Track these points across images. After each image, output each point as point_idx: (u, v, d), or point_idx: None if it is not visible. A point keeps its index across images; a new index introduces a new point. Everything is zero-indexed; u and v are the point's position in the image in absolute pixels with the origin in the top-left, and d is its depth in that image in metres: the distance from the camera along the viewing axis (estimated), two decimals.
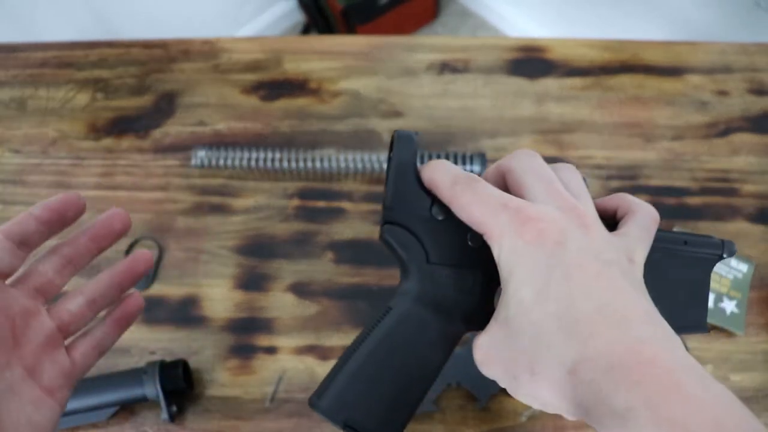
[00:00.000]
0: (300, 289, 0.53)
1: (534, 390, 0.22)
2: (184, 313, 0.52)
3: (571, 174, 0.26)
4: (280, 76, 0.64)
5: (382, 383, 0.25)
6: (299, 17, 1.79)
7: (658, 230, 0.27)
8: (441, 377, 0.47)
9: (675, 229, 0.54)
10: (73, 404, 0.45)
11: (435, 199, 0.27)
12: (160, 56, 0.66)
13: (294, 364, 0.50)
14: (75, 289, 0.29)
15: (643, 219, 0.26)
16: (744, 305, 0.51)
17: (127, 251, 0.55)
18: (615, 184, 0.57)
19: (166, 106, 0.63)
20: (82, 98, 0.64)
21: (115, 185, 0.58)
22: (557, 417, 0.46)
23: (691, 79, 0.63)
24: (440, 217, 0.27)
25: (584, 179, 0.27)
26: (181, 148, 0.60)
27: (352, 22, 1.58)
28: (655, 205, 0.56)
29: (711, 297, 0.51)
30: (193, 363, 0.50)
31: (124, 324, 0.30)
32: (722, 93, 0.62)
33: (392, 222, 0.27)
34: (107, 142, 0.61)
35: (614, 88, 0.63)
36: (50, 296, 0.28)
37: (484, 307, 0.27)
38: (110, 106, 0.63)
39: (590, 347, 0.20)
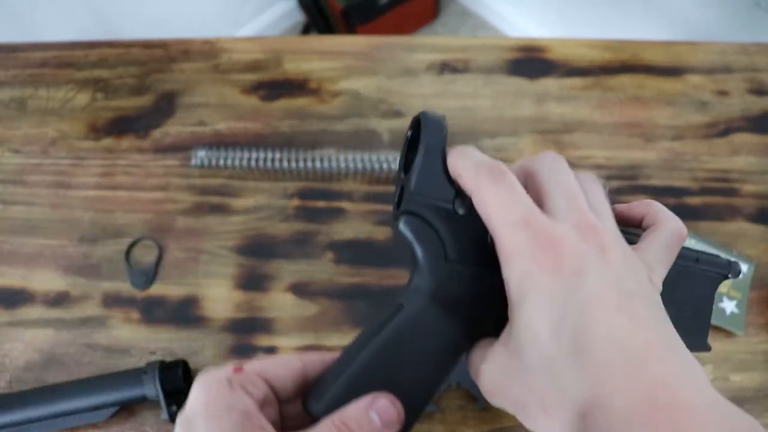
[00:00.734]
0: (300, 289, 0.53)
1: (545, 428, 0.20)
2: (184, 313, 0.52)
3: (594, 186, 0.25)
4: (280, 76, 0.64)
5: (388, 389, 0.24)
6: (299, 17, 1.79)
7: None
8: None
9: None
10: (73, 404, 0.45)
11: (459, 191, 0.24)
12: (160, 56, 0.66)
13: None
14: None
15: (668, 236, 0.25)
16: (744, 305, 0.51)
17: (128, 251, 0.55)
18: (615, 184, 0.57)
19: (166, 106, 0.63)
20: (82, 98, 0.64)
21: (115, 185, 0.58)
22: None
23: (691, 79, 0.63)
24: (461, 212, 0.24)
25: (605, 188, 0.26)
26: (181, 148, 0.60)
27: (352, 22, 1.58)
28: None
29: None
30: (193, 363, 0.50)
31: None
32: (722, 93, 0.62)
33: (411, 212, 0.24)
34: (107, 142, 0.61)
35: (614, 88, 0.63)
36: None
37: (500, 312, 0.25)
38: (110, 106, 0.63)
39: (605, 391, 0.19)
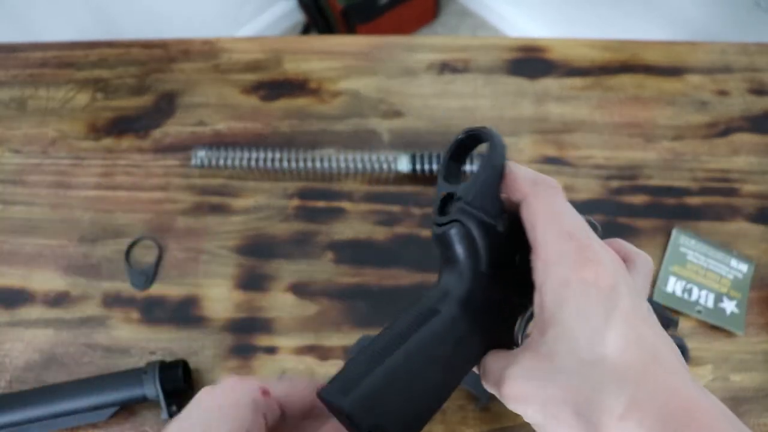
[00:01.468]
0: (300, 289, 0.53)
1: None
2: (184, 313, 0.52)
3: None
4: (280, 76, 0.64)
5: (416, 393, 0.24)
6: (299, 17, 1.79)
7: None
8: None
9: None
10: (73, 404, 0.45)
11: (503, 209, 0.26)
12: (160, 56, 0.66)
13: (294, 364, 0.50)
14: None
15: (643, 268, 0.26)
16: (744, 305, 0.51)
17: (128, 251, 0.55)
18: (615, 184, 0.57)
19: (166, 106, 0.63)
20: (82, 98, 0.64)
21: (115, 185, 0.58)
22: None
23: (691, 79, 0.63)
24: (500, 229, 0.25)
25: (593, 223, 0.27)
26: (181, 148, 0.60)
27: (352, 22, 1.58)
28: (655, 205, 0.56)
29: (711, 297, 0.51)
30: (193, 363, 0.50)
31: None
32: (722, 93, 0.62)
33: (461, 222, 0.25)
34: (107, 142, 0.61)
35: (614, 88, 0.63)
36: None
37: (509, 333, 0.27)
38: (110, 106, 0.63)
39: (643, 395, 0.20)
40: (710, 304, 0.51)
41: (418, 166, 0.56)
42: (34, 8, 1.21)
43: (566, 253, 0.22)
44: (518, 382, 0.22)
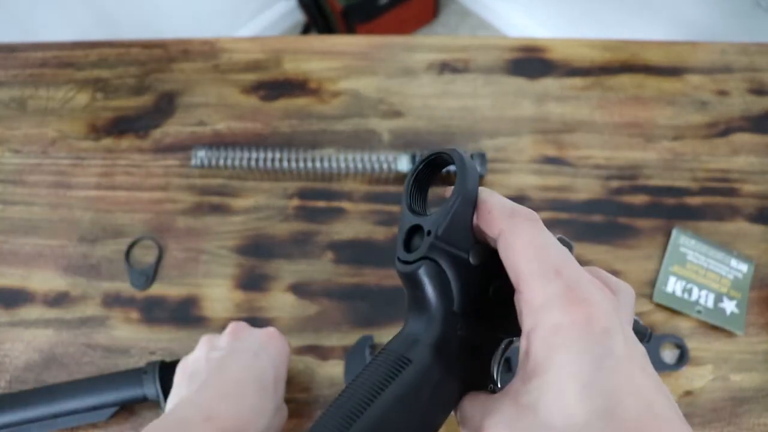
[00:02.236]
0: (300, 289, 0.53)
1: None
2: (184, 313, 0.52)
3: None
4: (280, 76, 0.64)
5: None
6: (299, 17, 1.79)
7: None
8: None
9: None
10: (73, 404, 0.45)
11: (477, 241, 0.23)
12: (159, 56, 0.66)
13: (294, 364, 0.50)
14: None
15: (626, 299, 0.25)
16: (744, 305, 0.51)
17: (128, 251, 0.55)
18: (615, 184, 0.57)
19: (165, 106, 0.63)
20: (82, 98, 0.64)
21: (115, 185, 0.58)
22: None
23: (691, 79, 0.63)
24: (473, 262, 0.23)
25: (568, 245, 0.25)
26: (181, 148, 0.60)
27: (352, 21, 1.58)
28: (655, 205, 0.56)
29: (711, 297, 0.51)
30: None
31: None
32: (722, 93, 0.62)
33: (431, 258, 0.23)
34: (107, 142, 0.61)
35: (614, 88, 0.63)
36: None
37: (485, 371, 0.24)
38: (110, 106, 0.63)
39: None
40: (710, 304, 0.51)
41: None
42: (34, 8, 1.21)
43: (554, 294, 0.20)
44: None
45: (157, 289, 0.53)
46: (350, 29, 1.60)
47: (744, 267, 0.53)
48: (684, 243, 0.54)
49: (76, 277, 0.54)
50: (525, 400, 0.20)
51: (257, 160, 0.57)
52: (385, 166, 0.56)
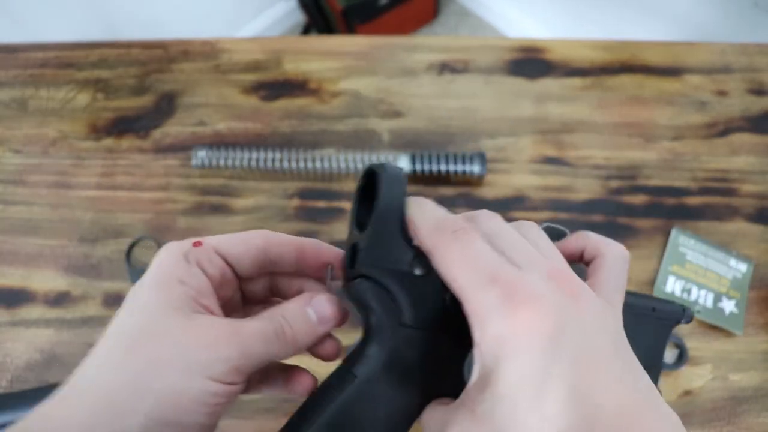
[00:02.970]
0: None
1: None
2: None
3: (535, 231, 0.24)
4: (280, 76, 0.65)
5: None
6: (299, 17, 1.79)
7: (628, 293, 0.25)
8: None
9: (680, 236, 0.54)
10: None
11: (417, 251, 0.23)
12: (160, 56, 0.66)
13: (294, 363, 0.50)
14: None
15: (615, 263, 0.24)
16: (743, 305, 0.51)
17: (128, 251, 0.55)
18: (615, 184, 0.57)
19: (166, 106, 0.63)
20: (83, 98, 0.64)
21: (116, 185, 0.58)
22: None
23: (690, 79, 0.63)
24: (418, 272, 0.23)
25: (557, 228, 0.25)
26: (182, 148, 0.60)
27: (352, 22, 1.58)
28: (655, 205, 0.56)
29: (710, 297, 0.52)
30: None
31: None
32: (722, 93, 0.63)
33: (365, 276, 0.23)
34: (108, 142, 0.61)
35: (614, 88, 0.63)
36: None
37: (455, 378, 0.24)
38: (110, 107, 0.63)
39: None
40: (709, 303, 0.51)
41: (418, 166, 0.56)
42: (34, 9, 1.22)
43: (492, 302, 0.19)
44: None
45: None
46: (350, 29, 1.60)
47: (743, 267, 0.53)
48: (683, 243, 0.54)
49: (77, 277, 0.54)
50: (480, 410, 0.20)
51: (257, 160, 0.57)
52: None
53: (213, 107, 0.63)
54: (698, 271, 0.53)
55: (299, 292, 0.28)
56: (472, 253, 0.21)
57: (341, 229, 0.56)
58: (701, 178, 0.58)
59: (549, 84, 0.63)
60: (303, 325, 0.24)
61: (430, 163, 0.56)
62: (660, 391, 0.26)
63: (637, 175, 0.58)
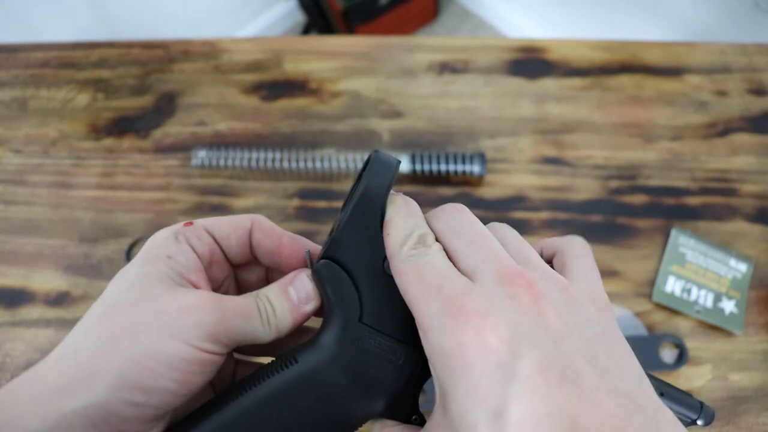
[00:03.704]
0: None
1: None
2: None
3: (506, 230, 0.23)
4: (280, 76, 0.65)
5: None
6: (299, 17, 1.79)
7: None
8: None
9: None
10: None
11: None
12: (160, 56, 0.66)
13: None
14: None
15: (580, 250, 0.24)
16: (743, 305, 0.51)
17: (128, 251, 0.55)
18: (614, 184, 0.57)
19: (166, 106, 0.63)
20: (83, 98, 0.64)
21: (116, 185, 0.58)
22: None
23: (690, 79, 0.63)
24: (390, 272, 0.21)
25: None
26: (182, 148, 0.60)
27: (352, 22, 1.58)
28: (655, 205, 0.56)
29: (710, 297, 0.52)
30: None
31: None
32: (721, 93, 0.63)
33: (334, 259, 0.22)
34: (108, 142, 0.61)
35: (614, 88, 0.63)
36: None
37: (411, 393, 0.22)
38: (111, 107, 0.63)
39: None
40: (709, 303, 0.51)
41: (417, 167, 0.56)
42: (35, 9, 1.22)
43: (435, 313, 0.19)
44: None
45: None
46: (350, 30, 1.60)
47: (743, 267, 0.53)
48: (683, 243, 0.54)
49: (77, 277, 0.54)
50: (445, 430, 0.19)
51: (258, 160, 0.57)
52: None
53: (213, 107, 0.63)
54: (698, 271, 0.53)
55: None
56: (425, 266, 0.20)
57: None
58: (701, 178, 0.58)
59: (549, 84, 0.63)
60: (285, 304, 0.24)
61: (430, 163, 0.56)
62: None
63: (637, 175, 0.58)
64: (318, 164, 0.56)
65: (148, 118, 0.62)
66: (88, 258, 0.55)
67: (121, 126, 0.62)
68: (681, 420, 0.23)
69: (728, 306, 0.51)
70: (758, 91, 0.63)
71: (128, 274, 0.22)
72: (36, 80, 0.65)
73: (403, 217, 0.22)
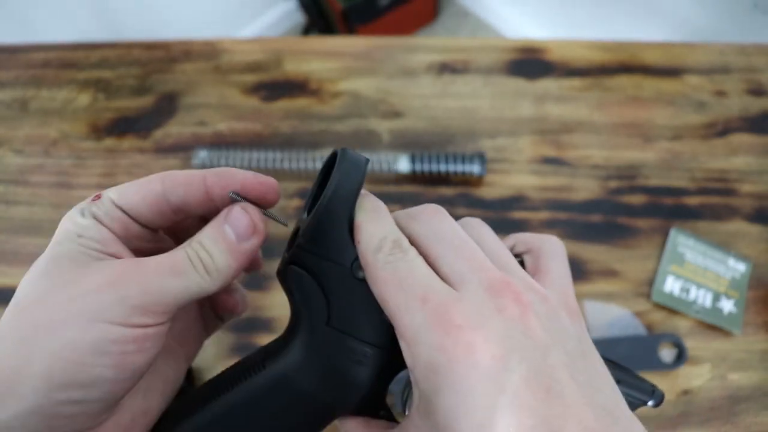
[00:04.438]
0: None
1: None
2: None
3: (483, 230, 0.22)
4: (280, 76, 0.65)
5: None
6: (300, 18, 1.79)
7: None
8: None
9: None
10: None
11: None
12: (161, 57, 0.66)
13: None
14: None
15: (555, 251, 0.23)
16: (742, 305, 0.52)
17: None
18: (613, 184, 0.58)
19: (167, 106, 0.63)
20: (84, 99, 0.64)
21: (117, 185, 0.59)
22: None
23: (689, 79, 0.64)
24: (360, 276, 0.21)
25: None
26: (183, 148, 0.60)
27: (352, 22, 1.58)
28: (654, 205, 0.56)
29: (709, 296, 0.52)
30: (194, 362, 0.50)
31: None
32: (721, 93, 0.63)
33: (300, 264, 0.21)
34: (109, 142, 0.61)
35: (613, 88, 0.63)
36: None
37: (378, 394, 0.22)
38: (111, 107, 0.63)
39: None
40: (708, 303, 0.51)
41: (417, 167, 0.56)
42: (36, 9, 1.22)
43: (422, 325, 0.18)
44: None
45: None
46: (350, 30, 1.60)
47: (742, 266, 0.53)
48: (682, 243, 0.54)
49: None
50: None
51: (258, 160, 0.57)
52: (384, 166, 0.56)
53: (214, 107, 0.63)
54: (697, 271, 0.53)
55: None
56: (404, 273, 0.19)
57: None
58: (700, 178, 0.58)
59: (548, 84, 0.64)
60: (222, 246, 0.21)
61: (429, 163, 0.56)
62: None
63: (636, 175, 0.58)
64: (318, 164, 0.57)
65: (148, 119, 0.62)
66: None
67: (122, 126, 0.62)
68: (634, 402, 0.24)
69: (727, 306, 0.51)
70: (757, 92, 0.63)
71: (38, 262, 0.20)
72: (37, 80, 0.65)
73: (374, 222, 0.21)
